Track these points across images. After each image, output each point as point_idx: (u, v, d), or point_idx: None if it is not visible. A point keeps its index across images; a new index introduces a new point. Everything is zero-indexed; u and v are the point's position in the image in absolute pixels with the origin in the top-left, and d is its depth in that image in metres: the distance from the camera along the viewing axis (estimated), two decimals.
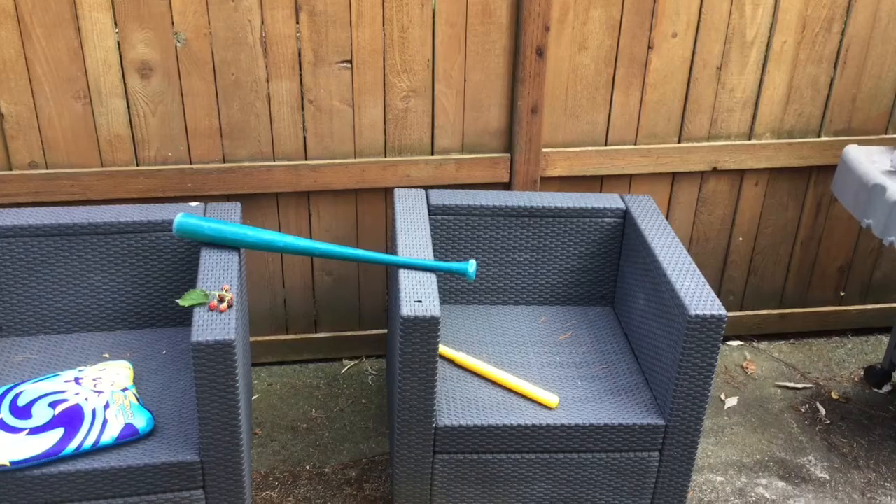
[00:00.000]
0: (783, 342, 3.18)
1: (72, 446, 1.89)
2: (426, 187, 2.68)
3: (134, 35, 2.37)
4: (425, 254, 2.20)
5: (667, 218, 2.90)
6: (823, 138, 2.86)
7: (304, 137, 2.59)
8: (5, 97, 2.38)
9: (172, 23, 2.38)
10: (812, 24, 2.68)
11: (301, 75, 2.51)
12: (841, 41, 2.72)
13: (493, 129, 2.67)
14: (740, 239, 2.99)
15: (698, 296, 2.04)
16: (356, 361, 2.99)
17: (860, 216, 2.45)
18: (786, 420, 2.80)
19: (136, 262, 2.30)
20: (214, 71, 2.46)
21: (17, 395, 1.97)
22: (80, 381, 2.02)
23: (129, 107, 2.46)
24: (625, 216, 2.48)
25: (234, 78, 2.48)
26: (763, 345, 3.16)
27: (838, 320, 3.19)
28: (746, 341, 3.17)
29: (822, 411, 2.84)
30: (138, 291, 2.33)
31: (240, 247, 2.19)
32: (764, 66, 2.72)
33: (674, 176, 2.84)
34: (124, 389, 2.04)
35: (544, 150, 2.69)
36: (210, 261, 2.14)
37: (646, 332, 2.28)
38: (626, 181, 2.81)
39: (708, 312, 1.98)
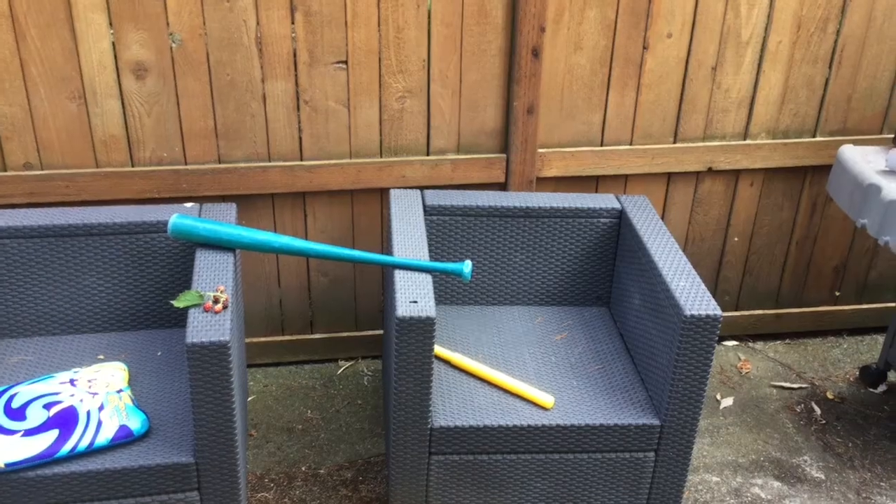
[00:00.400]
0: (779, 342, 3.18)
1: (66, 448, 1.89)
2: (422, 188, 2.68)
3: (129, 36, 2.37)
4: (421, 254, 2.20)
5: (662, 218, 2.90)
6: (819, 138, 2.86)
7: (300, 138, 2.59)
8: (0, 98, 2.38)
9: (167, 23, 2.37)
10: (807, 23, 2.68)
11: (296, 76, 2.50)
12: (836, 41, 2.72)
13: (488, 129, 2.67)
14: (736, 239, 2.99)
15: (694, 296, 2.04)
16: (352, 362, 2.98)
17: (855, 216, 2.45)
18: (781, 420, 2.80)
19: (131, 263, 2.29)
20: (209, 71, 2.45)
21: (11, 397, 1.97)
22: (74, 382, 2.02)
23: (123, 107, 2.46)
24: (620, 216, 2.49)
25: (230, 78, 2.47)
26: (758, 345, 3.16)
27: (833, 320, 3.20)
28: (742, 341, 3.17)
29: (818, 411, 2.85)
30: (133, 293, 2.33)
31: (235, 248, 2.19)
32: (759, 66, 2.72)
33: (669, 176, 2.84)
34: (119, 391, 2.04)
35: (540, 150, 2.69)
36: (205, 262, 2.13)
37: (641, 332, 2.28)
38: (621, 181, 2.81)
39: (703, 312, 1.98)
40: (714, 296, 3.08)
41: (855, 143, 2.84)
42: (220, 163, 2.57)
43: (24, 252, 2.23)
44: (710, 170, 2.84)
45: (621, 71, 2.65)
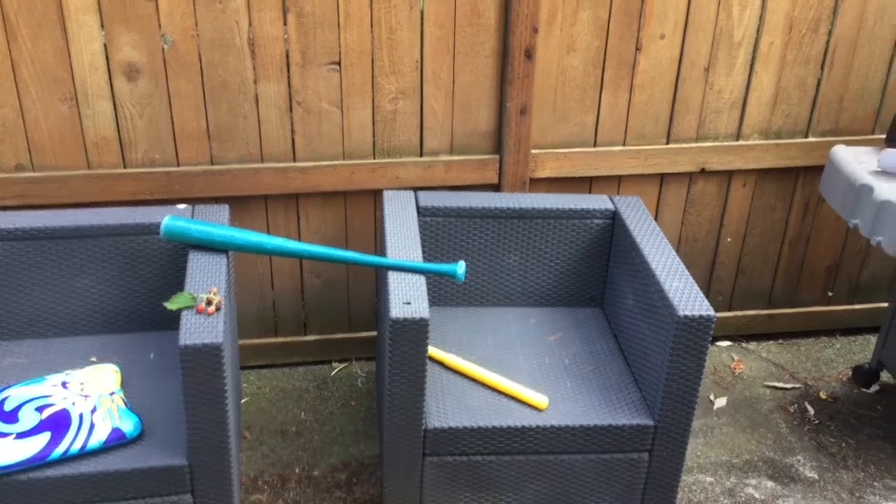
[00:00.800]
0: (772, 342, 3.19)
1: (59, 450, 1.88)
2: (415, 189, 2.68)
3: (121, 37, 2.36)
4: (414, 255, 2.20)
5: (655, 219, 2.90)
6: (811, 139, 2.87)
7: (293, 139, 2.59)
8: None
9: (159, 25, 2.37)
10: (799, 24, 2.69)
11: (289, 77, 2.50)
12: (828, 42, 2.73)
13: (482, 130, 2.67)
14: (728, 239, 3.00)
15: (687, 296, 2.04)
16: (345, 364, 2.98)
17: (848, 216, 2.46)
18: (775, 420, 2.81)
19: (124, 265, 2.29)
20: (202, 73, 2.45)
21: (3, 400, 1.96)
22: (67, 385, 2.01)
23: (115, 109, 2.45)
24: (614, 217, 2.49)
25: (222, 80, 2.47)
26: (752, 345, 3.17)
27: (826, 320, 3.20)
28: (735, 342, 3.18)
29: (811, 411, 2.85)
30: (126, 295, 2.32)
31: (228, 249, 2.19)
32: (751, 66, 2.73)
33: (662, 177, 2.84)
34: (112, 393, 2.03)
35: (533, 151, 2.70)
36: (198, 263, 2.13)
37: (635, 332, 2.28)
38: (614, 182, 2.82)
39: (696, 313, 1.99)
40: (707, 296, 3.09)
41: (847, 143, 2.85)
42: (212, 164, 2.57)
43: (15, 254, 2.22)
44: (702, 170, 2.84)
45: (614, 72, 2.65)
